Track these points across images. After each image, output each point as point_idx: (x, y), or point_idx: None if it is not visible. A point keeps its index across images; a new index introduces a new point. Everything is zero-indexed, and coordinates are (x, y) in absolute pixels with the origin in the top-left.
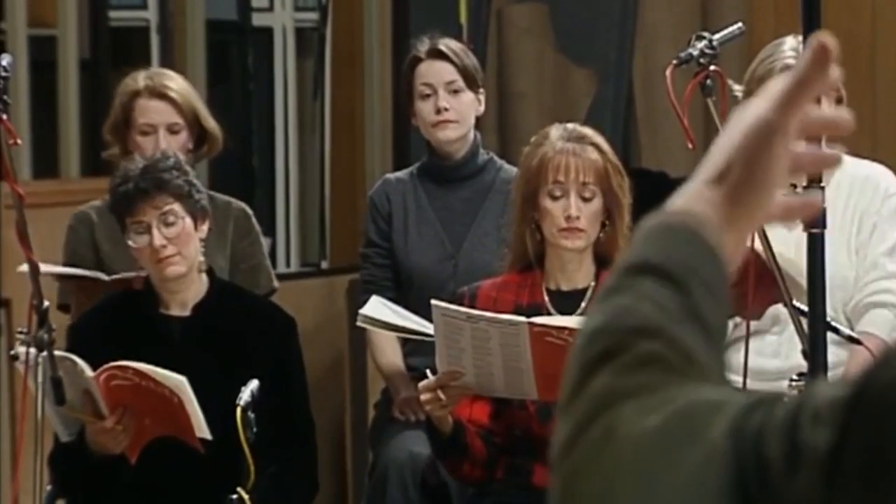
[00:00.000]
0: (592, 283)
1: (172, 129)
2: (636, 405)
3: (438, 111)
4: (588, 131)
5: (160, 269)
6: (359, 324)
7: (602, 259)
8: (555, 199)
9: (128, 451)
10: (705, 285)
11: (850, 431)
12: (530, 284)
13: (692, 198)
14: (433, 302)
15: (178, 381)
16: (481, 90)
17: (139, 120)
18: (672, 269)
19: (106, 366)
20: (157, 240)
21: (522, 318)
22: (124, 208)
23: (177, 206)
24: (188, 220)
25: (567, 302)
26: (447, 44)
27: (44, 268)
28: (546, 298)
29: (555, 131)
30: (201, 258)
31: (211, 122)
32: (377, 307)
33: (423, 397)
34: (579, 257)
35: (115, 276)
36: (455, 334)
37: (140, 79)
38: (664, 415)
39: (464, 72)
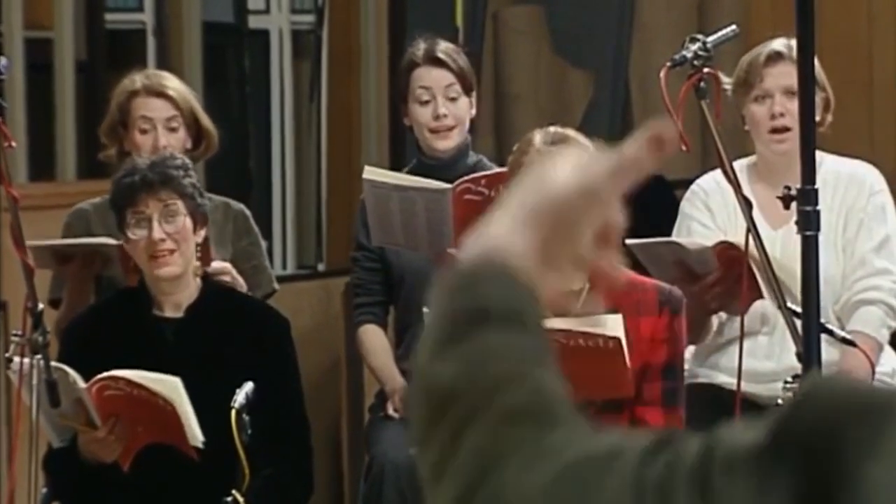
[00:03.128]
0: (586, 284)
1: (171, 126)
2: (517, 463)
3: (437, 118)
4: (570, 133)
5: (155, 267)
6: (364, 177)
7: None
8: None
9: (120, 458)
10: (538, 326)
11: (771, 481)
12: None
13: (504, 238)
14: (425, 310)
15: (172, 385)
16: (474, 93)
17: (138, 117)
18: (511, 313)
19: (98, 376)
20: (157, 233)
21: None
22: (127, 199)
23: (180, 203)
24: (189, 220)
25: None
26: (443, 49)
27: (49, 242)
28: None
29: (538, 137)
30: (196, 262)
31: (207, 121)
32: (376, 171)
33: None
34: None
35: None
36: None
37: (137, 79)
38: (553, 471)
39: (461, 77)
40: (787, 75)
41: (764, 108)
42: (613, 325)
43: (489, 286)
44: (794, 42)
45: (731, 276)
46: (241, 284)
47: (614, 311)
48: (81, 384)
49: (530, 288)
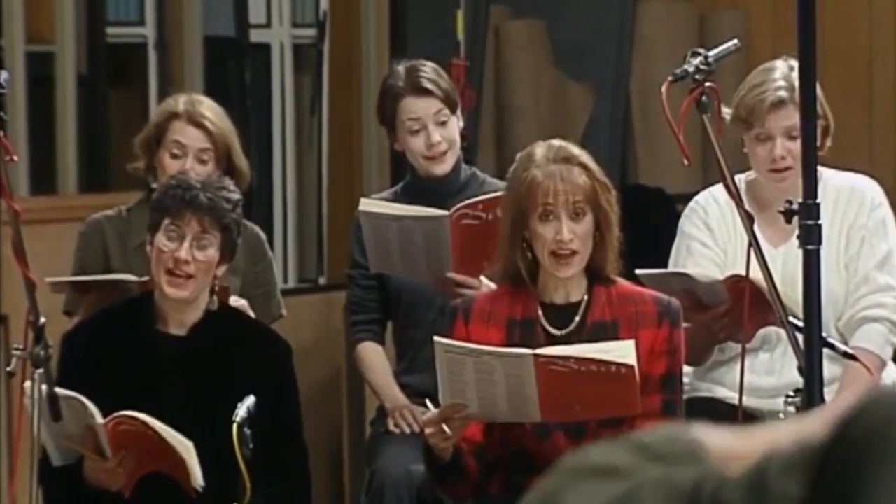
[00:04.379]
0: (585, 297)
1: (201, 158)
2: None
3: (430, 146)
4: (574, 151)
5: (167, 284)
6: (361, 209)
7: (594, 273)
8: (545, 222)
9: (122, 487)
10: None
11: (823, 480)
12: (524, 298)
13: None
14: (436, 339)
15: (185, 447)
16: (459, 108)
17: (172, 140)
18: None
19: (116, 414)
20: (185, 253)
21: (527, 351)
22: (171, 209)
23: (216, 236)
24: (216, 255)
25: (561, 315)
26: (426, 76)
27: (70, 278)
28: (539, 312)
29: (539, 151)
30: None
31: (241, 160)
32: (373, 203)
33: (427, 431)
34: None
35: (145, 279)
36: (458, 368)
37: (181, 102)
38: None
39: (447, 101)
40: (789, 118)
41: (766, 149)
42: (626, 352)
43: None
44: (794, 74)
45: (740, 308)
46: (247, 310)
47: (615, 323)
48: (99, 419)
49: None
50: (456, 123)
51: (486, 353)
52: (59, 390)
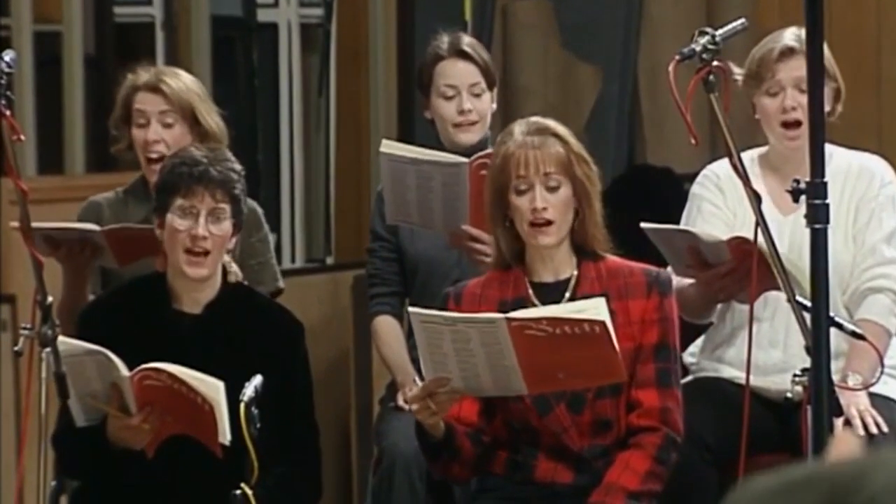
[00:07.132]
0: (575, 273)
1: (165, 122)
2: None
3: (461, 112)
4: (550, 122)
5: (187, 264)
6: (382, 150)
7: (580, 248)
8: (521, 194)
9: (146, 446)
10: None
11: None
12: (514, 279)
13: None
14: (410, 309)
15: (214, 387)
16: (496, 89)
17: (134, 111)
18: None
19: (143, 367)
20: (202, 230)
21: (499, 315)
22: (180, 187)
23: (228, 208)
24: (231, 227)
25: (551, 293)
26: (468, 43)
27: (38, 224)
28: (530, 291)
29: (517, 127)
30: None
31: (210, 121)
32: (394, 145)
33: (413, 407)
34: (557, 249)
35: (110, 227)
36: (436, 339)
37: (141, 74)
38: None
39: (486, 73)
40: (799, 69)
41: (776, 101)
42: (597, 309)
43: None
44: (804, 32)
45: (742, 269)
46: (239, 277)
47: (604, 296)
48: (125, 372)
49: None
50: (489, 100)
51: (461, 321)
52: (84, 344)
